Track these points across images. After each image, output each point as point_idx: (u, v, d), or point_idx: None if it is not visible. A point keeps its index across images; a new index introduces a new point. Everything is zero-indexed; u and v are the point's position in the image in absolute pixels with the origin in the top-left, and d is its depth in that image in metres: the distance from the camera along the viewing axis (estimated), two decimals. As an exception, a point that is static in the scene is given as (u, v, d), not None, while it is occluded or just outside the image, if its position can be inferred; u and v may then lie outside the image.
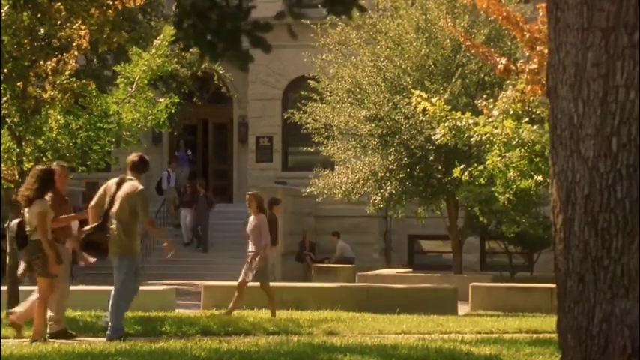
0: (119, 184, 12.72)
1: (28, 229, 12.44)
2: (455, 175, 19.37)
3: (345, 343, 11.67)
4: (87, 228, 12.82)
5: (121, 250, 12.65)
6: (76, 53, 15.65)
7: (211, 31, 4.87)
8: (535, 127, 17.31)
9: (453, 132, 18.02)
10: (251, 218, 16.77)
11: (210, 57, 5.03)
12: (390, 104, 24.56)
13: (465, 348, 11.24)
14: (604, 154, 5.12)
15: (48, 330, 12.86)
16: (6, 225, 14.92)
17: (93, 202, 12.95)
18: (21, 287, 16.35)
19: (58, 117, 16.05)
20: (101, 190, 12.97)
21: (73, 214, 13.43)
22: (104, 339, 12.62)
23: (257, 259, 16.24)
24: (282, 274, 28.51)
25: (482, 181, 19.15)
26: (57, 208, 12.74)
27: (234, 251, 30.68)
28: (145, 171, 13.15)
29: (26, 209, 12.48)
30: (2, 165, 15.82)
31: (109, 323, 12.68)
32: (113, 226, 12.62)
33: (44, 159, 16.09)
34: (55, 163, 13.78)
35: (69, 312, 16.37)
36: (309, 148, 28.43)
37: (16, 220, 12.60)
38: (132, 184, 12.68)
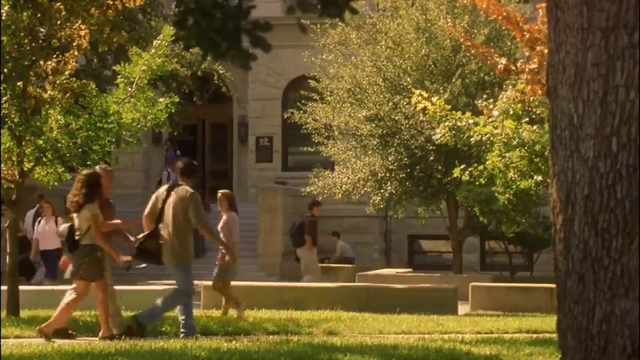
0: (169, 191, 12.80)
1: (77, 233, 12.59)
2: (455, 175, 19.38)
3: (345, 343, 11.68)
4: (140, 236, 12.84)
5: (176, 259, 12.70)
6: (76, 53, 15.64)
7: (214, 30, 4.88)
8: (535, 127, 17.31)
9: (453, 132, 18.03)
10: (223, 217, 16.80)
11: (213, 56, 5.03)
12: (390, 104, 24.56)
13: (465, 348, 11.24)
14: (604, 154, 5.12)
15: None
16: (6, 225, 14.94)
17: (146, 211, 12.97)
18: (21, 287, 16.35)
19: (58, 117, 16.04)
20: (153, 198, 13.03)
21: (118, 221, 13.42)
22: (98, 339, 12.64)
23: (226, 257, 16.17)
24: (282, 274, 28.51)
25: (482, 181, 19.16)
26: (101, 211, 12.83)
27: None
28: (194, 175, 13.26)
29: (75, 214, 12.59)
30: (2, 165, 15.82)
31: (182, 323, 12.84)
32: (166, 234, 12.64)
33: (44, 159, 16.09)
34: (98, 167, 13.92)
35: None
36: (309, 148, 28.44)
37: (67, 225, 12.72)
38: (183, 189, 12.74)
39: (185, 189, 12.74)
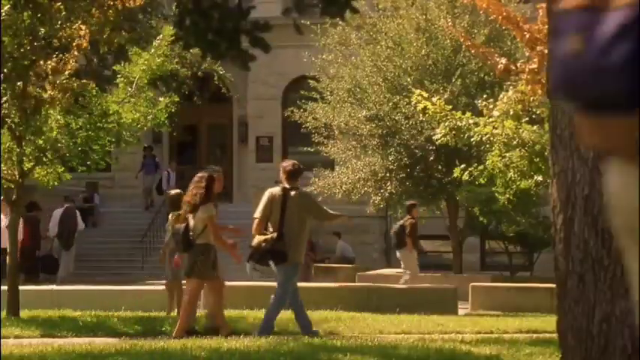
0: (283, 194, 12.92)
1: (191, 233, 12.92)
2: (455, 175, 19.38)
3: (345, 343, 11.67)
4: (263, 238, 12.93)
5: (290, 259, 12.87)
6: (76, 53, 15.64)
7: (212, 31, 4.88)
8: (535, 127, 17.31)
9: (453, 132, 18.03)
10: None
11: (212, 56, 5.04)
12: (390, 104, 24.56)
13: (465, 348, 11.24)
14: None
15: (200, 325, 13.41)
16: (6, 225, 14.95)
17: (258, 214, 13.07)
18: (21, 287, 16.35)
19: (58, 117, 16.04)
20: (265, 200, 13.12)
21: (230, 226, 13.70)
22: (104, 339, 12.64)
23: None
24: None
25: (482, 181, 19.16)
26: None
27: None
28: (299, 177, 13.45)
29: (190, 215, 12.88)
30: (2, 165, 15.82)
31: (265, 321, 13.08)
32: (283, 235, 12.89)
33: (44, 159, 16.09)
34: (211, 168, 14.26)
35: (69, 312, 16.40)
36: (309, 148, 28.44)
37: (183, 225, 12.95)
38: (295, 192, 12.96)
39: (299, 191, 13.12)
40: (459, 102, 23.20)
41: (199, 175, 13.25)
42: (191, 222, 12.99)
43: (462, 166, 19.28)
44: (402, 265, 22.41)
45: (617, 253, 5.08)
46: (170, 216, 16.36)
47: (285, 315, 16.22)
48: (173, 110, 17.20)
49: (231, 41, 4.86)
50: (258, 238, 12.89)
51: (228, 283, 21.19)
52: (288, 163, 13.44)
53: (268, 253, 12.90)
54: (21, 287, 16.34)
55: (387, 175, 24.79)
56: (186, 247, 12.96)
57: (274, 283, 13.44)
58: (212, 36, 4.87)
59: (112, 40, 16.08)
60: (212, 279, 13.09)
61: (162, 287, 17.84)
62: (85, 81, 16.38)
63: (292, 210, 12.78)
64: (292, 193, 12.89)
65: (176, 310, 16.34)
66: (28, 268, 26.75)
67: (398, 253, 22.51)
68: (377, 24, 25.52)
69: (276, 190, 13.15)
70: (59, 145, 16.03)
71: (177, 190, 17.61)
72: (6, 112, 15.43)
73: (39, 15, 15.09)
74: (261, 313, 16.58)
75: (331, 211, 13.77)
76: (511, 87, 17.74)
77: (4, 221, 20.14)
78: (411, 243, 21.94)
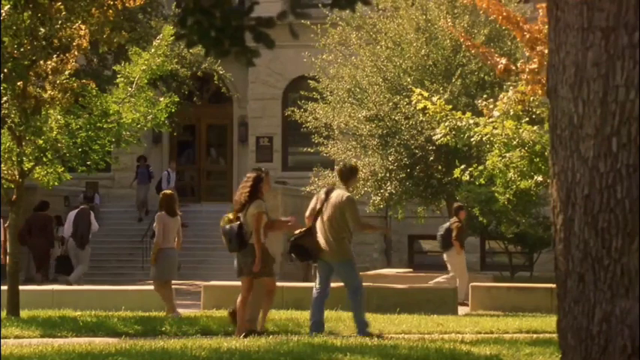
0: (327, 193, 13.28)
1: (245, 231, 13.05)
2: (455, 175, 19.37)
3: (345, 343, 11.67)
4: (297, 232, 13.43)
5: (338, 257, 13.21)
6: (76, 53, 15.64)
7: (216, 28, 4.87)
8: (535, 127, 17.31)
9: (453, 132, 18.02)
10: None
11: (216, 54, 5.02)
12: (390, 104, 24.56)
13: (465, 348, 11.24)
14: (604, 154, 5.11)
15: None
16: (6, 225, 14.96)
17: (308, 212, 13.52)
18: (21, 287, 16.35)
19: (58, 117, 16.04)
20: (313, 199, 13.55)
21: (286, 219, 14.04)
22: (107, 339, 12.63)
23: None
24: (282, 274, 28.49)
25: (482, 181, 19.15)
26: None
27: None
28: (353, 178, 13.80)
29: (240, 213, 13.03)
30: (2, 165, 15.82)
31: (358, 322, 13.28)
32: (324, 234, 13.13)
33: (44, 159, 16.09)
34: (261, 168, 14.48)
35: (69, 312, 16.40)
36: (309, 148, 28.44)
37: (237, 223, 13.04)
38: (339, 193, 13.24)
39: (341, 193, 13.26)
40: (459, 102, 23.20)
41: (248, 175, 13.54)
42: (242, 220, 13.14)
43: (462, 166, 19.27)
44: (449, 267, 22.60)
45: (616, 253, 5.08)
46: (157, 216, 16.53)
47: (285, 315, 16.23)
48: (173, 110, 17.19)
49: (234, 38, 4.84)
50: (294, 233, 13.47)
51: (228, 283, 21.21)
52: (341, 164, 14.04)
53: (293, 247, 13.41)
54: (21, 287, 16.34)
55: (387, 175, 24.79)
56: (241, 246, 12.99)
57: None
58: (215, 33, 4.85)
59: (111, 40, 16.08)
60: (267, 277, 13.21)
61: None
62: (85, 81, 16.38)
63: (331, 209, 13.10)
64: (334, 193, 13.24)
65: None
66: (41, 267, 27.04)
67: (445, 256, 22.72)
68: (377, 24, 25.52)
69: (324, 189, 13.65)
70: (59, 145, 16.03)
71: (169, 191, 17.63)
72: (6, 112, 15.43)
73: (39, 15, 15.09)
74: (261, 313, 16.59)
75: (363, 222, 14.00)
76: (511, 87, 17.73)
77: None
78: (458, 245, 22.10)
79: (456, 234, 22.01)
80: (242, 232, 12.89)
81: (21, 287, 16.33)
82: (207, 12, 4.85)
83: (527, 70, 16.03)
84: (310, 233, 13.17)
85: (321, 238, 13.14)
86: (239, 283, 17.00)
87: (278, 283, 21.78)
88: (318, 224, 13.16)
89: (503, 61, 16.91)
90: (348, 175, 13.54)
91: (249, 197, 13.00)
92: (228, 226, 13.02)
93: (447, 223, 22.44)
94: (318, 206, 13.23)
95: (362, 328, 13.20)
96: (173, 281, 17.16)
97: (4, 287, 16.04)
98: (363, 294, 13.55)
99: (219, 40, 4.85)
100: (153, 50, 16.80)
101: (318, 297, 13.47)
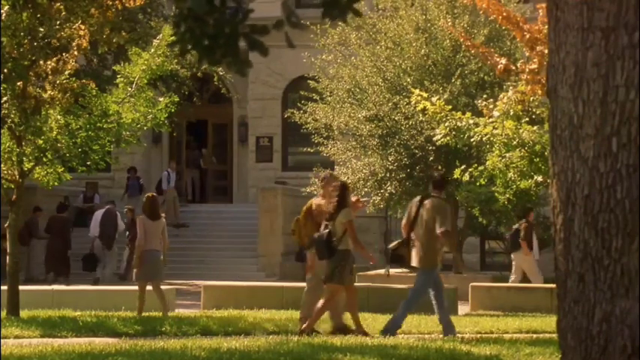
0: (421, 201, 13.76)
1: (334, 238, 13.38)
2: (455, 175, 19.36)
3: (345, 343, 11.67)
4: (394, 242, 14.22)
5: (422, 264, 13.70)
6: (75, 53, 15.64)
7: (209, 36, 4.87)
8: (535, 127, 17.31)
9: (453, 132, 18.01)
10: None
11: (209, 62, 5.03)
12: (390, 104, 24.55)
13: (465, 348, 11.24)
14: (604, 154, 5.12)
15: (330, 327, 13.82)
16: (6, 225, 14.97)
17: (403, 221, 14.11)
18: (21, 287, 16.35)
19: (58, 117, 16.04)
20: (408, 208, 14.15)
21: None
22: (108, 339, 12.62)
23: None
24: (282, 274, 28.51)
25: (482, 181, 19.14)
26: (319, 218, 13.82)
27: (234, 251, 30.72)
28: (444, 187, 14.31)
29: (330, 222, 13.39)
30: (2, 165, 15.82)
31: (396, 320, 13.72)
32: (417, 242, 13.68)
33: (44, 159, 16.09)
34: (328, 173, 15.13)
35: (69, 312, 16.40)
36: (309, 148, 28.43)
37: (326, 232, 13.37)
38: (432, 200, 13.66)
39: (432, 201, 13.65)
40: (459, 102, 23.19)
41: (334, 184, 13.82)
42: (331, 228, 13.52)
43: (462, 166, 19.27)
44: (513, 269, 22.72)
45: (616, 253, 5.08)
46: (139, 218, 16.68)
47: (285, 315, 16.23)
48: (173, 110, 17.19)
49: (227, 47, 4.84)
50: (392, 244, 14.24)
51: (228, 283, 21.20)
52: (436, 173, 14.67)
53: (392, 257, 14.14)
54: (21, 287, 16.34)
55: (387, 175, 24.78)
56: (330, 254, 13.28)
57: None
58: (208, 41, 4.84)
59: (111, 41, 16.08)
60: (349, 284, 13.58)
61: (162, 287, 17.84)
62: (84, 81, 16.38)
63: (422, 217, 13.58)
64: (427, 201, 13.68)
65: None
66: (59, 267, 27.32)
67: (512, 256, 22.81)
68: (376, 24, 25.51)
69: (417, 197, 14.16)
70: (59, 145, 16.03)
71: (151, 194, 17.67)
72: (6, 112, 15.43)
73: (38, 15, 15.09)
74: (261, 313, 16.61)
75: (448, 235, 14.24)
76: (511, 87, 17.73)
77: None
78: (526, 246, 22.17)
79: (523, 234, 22.11)
80: (331, 240, 13.26)
81: (21, 287, 16.33)
82: (200, 19, 4.84)
83: (527, 70, 16.03)
84: (405, 243, 13.78)
85: (416, 244, 13.68)
86: (239, 283, 17.02)
87: (278, 284, 21.85)
88: (414, 231, 13.69)
89: (503, 61, 16.90)
90: (442, 184, 14.03)
91: (338, 206, 13.36)
92: (316, 235, 13.44)
93: (517, 225, 22.58)
94: (413, 214, 13.72)
95: (393, 327, 13.54)
96: (173, 281, 17.14)
97: (4, 287, 16.04)
98: (414, 304, 14.10)
99: (212, 47, 4.84)
100: (153, 50, 16.80)
101: (435, 297, 13.95)
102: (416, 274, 14.12)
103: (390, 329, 13.44)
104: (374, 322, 15.22)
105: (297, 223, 14.13)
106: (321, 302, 13.41)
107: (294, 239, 14.94)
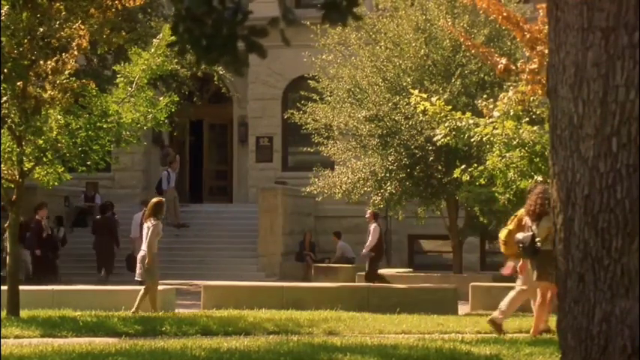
0: None
1: (537, 240, 13.99)
2: (455, 175, 19.36)
3: (345, 343, 11.68)
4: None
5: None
6: (75, 53, 15.64)
7: (206, 36, 4.87)
8: (535, 127, 17.30)
9: (453, 132, 18.01)
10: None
11: (206, 62, 5.02)
12: (390, 104, 24.54)
13: (465, 348, 11.25)
14: (604, 154, 5.12)
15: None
16: (6, 225, 14.94)
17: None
18: (21, 287, 16.34)
19: (58, 117, 16.04)
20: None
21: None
22: (108, 339, 12.62)
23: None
24: (282, 274, 28.52)
25: (482, 181, 19.13)
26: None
27: (234, 251, 30.72)
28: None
29: (534, 224, 14.05)
30: (2, 165, 15.81)
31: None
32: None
33: (44, 159, 16.08)
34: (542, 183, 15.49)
35: (69, 312, 16.40)
36: (309, 148, 28.43)
37: (529, 233, 14.08)
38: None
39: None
40: (459, 102, 23.18)
41: (540, 187, 14.36)
42: (536, 231, 14.01)
43: (462, 166, 19.26)
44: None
45: (616, 253, 5.08)
46: (149, 221, 16.93)
47: (285, 315, 16.23)
48: (173, 110, 17.19)
49: (225, 47, 4.84)
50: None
51: (228, 283, 21.20)
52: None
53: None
54: (21, 287, 16.33)
55: (387, 175, 24.77)
56: (534, 254, 13.98)
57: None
58: (206, 41, 4.84)
59: (111, 41, 16.07)
60: (546, 282, 13.99)
61: (162, 287, 17.89)
62: (84, 81, 16.38)
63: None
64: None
65: (151, 308, 16.51)
66: (108, 266, 28.20)
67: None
68: (376, 24, 25.50)
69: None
70: (59, 145, 16.02)
71: (159, 198, 17.83)
72: (6, 112, 15.43)
73: (38, 15, 15.08)
74: (261, 313, 16.60)
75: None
76: (511, 87, 17.72)
77: None
78: None
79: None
80: (534, 241, 13.93)
81: (21, 287, 16.32)
82: (198, 20, 4.84)
83: (527, 70, 16.02)
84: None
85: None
86: (239, 283, 17.04)
87: (278, 283, 21.86)
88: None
89: (503, 61, 16.89)
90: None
91: (541, 209, 13.90)
92: (522, 236, 14.12)
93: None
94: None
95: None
96: (173, 281, 17.23)
97: (4, 287, 16.03)
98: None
99: (209, 48, 4.84)
100: (153, 50, 16.80)
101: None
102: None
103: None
104: (374, 322, 15.23)
105: (509, 234, 14.65)
106: (539, 302, 14.24)
107: (504, 250, 15.34)
